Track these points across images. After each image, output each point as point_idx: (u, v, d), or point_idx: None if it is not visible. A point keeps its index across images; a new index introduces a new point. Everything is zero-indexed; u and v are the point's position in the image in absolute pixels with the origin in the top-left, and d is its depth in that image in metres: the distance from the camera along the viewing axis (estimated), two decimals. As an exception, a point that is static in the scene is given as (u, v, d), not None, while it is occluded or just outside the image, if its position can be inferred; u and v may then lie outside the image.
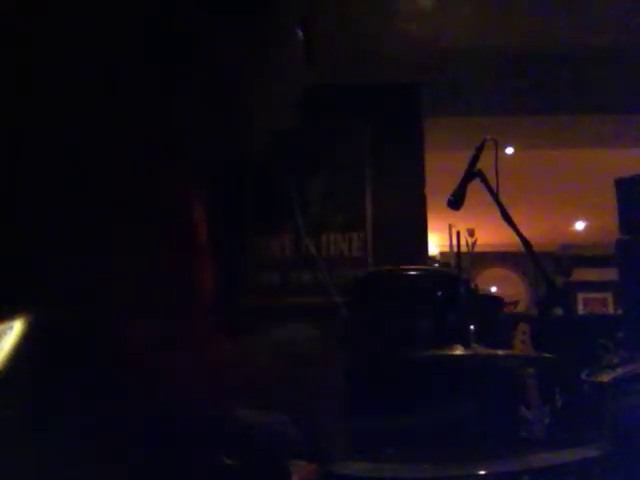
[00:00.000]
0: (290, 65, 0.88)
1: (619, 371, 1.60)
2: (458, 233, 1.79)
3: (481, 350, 1.37)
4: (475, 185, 1.86)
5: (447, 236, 2.68)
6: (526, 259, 1.87)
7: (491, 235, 5.06)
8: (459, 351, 1.36)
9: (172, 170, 0.70)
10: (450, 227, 2.11)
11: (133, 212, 0.65)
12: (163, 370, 0.63)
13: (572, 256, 7.56)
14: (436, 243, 5.68)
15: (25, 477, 0.58)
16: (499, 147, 1.91)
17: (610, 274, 5.17)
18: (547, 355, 1.59)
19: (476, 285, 2.70)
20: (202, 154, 0.79)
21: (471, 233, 2.16)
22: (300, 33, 0.88)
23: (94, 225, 0.63)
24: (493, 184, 1.84)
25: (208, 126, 0.81)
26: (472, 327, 1.42)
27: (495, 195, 1.82)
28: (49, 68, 0.67)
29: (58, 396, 0.59)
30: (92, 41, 0.68)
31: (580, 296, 7.36)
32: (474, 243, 2.07)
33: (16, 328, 0.59)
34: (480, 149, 1.90)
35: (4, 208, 0.64)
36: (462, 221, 2.23)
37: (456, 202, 1.87)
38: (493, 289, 6.09)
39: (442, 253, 5.56)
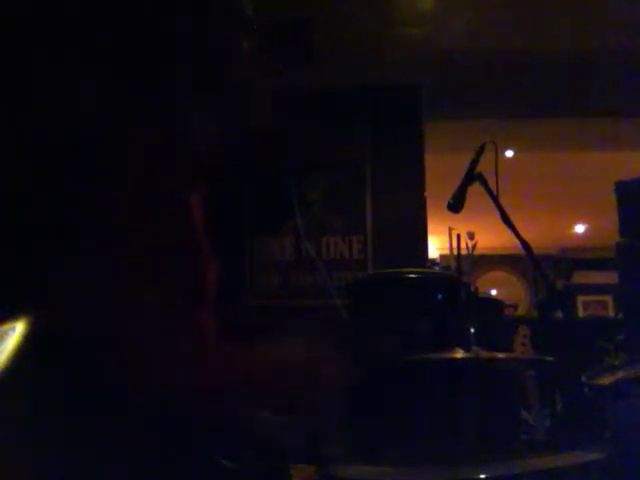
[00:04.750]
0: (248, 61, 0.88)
1: (619, 374, 1.59)
2: (458, 236, 1.79)
3: (481, 353, 1.37)
4: (475, 188, 1.86)
5: (447, 239, 2.68)
6: (526, 262, 1.87)
7: (491, 238, 5.05)
8: (459, 354, 1.36)
9: (172, 170, 0.70)
10: (450, 230, 2.10)
11: (134, 212, 0.65)
12: (163, 370, 0.63)
13: (572, 259, 7.55)
14: (436, 246, 5.68)
15: (25, 476, 0.58)
16: (499, 150, 1.91)
17: (610, 277, 5.17)
18: (547, 358, 1.59)
19: (476, 288, 2.69)
20: (202, 155, 0.79)
21: (471, 236, 2.16)
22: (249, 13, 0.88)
23: (95, 226, 0.63)
24: (493, 187, 1.84)
25: (207, 126, 0.81)
26: (472, 330, 1.42)
27: (495, 198, 1.82)
28: (46, 67, 0.67)
29: (59, 396, 0.59)
30: (86, 39, 0.68)
31: (580, 299, 7.35)
32: (474, 246, 2.06)
33: (18, 329, 0.59)
34: (480, 152, 1.90)
35: (6, 210, 0.64)
36: (462, 224, 2.23)
37: (456, 205, 1.87)
38: (493, 292, 6.09)
39: (442, 256, 5.56)
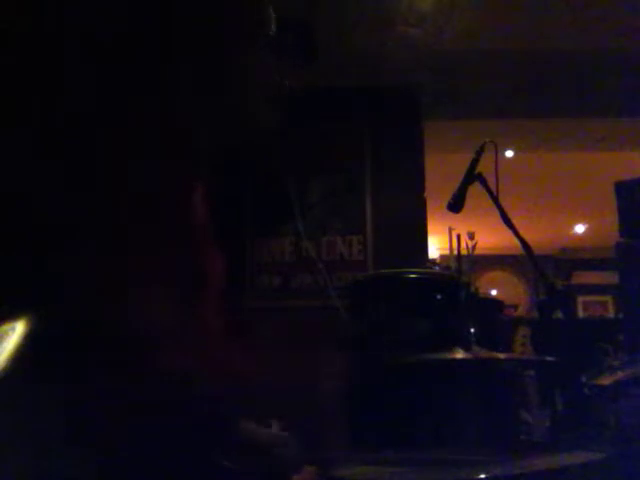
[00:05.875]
0: (267, 64, 0.88)
1: (619, 374, 1.60)
2: (458, 236, 1.79)
3: (481, 353, 1.37)
4: (475, 188, 1.86)
5: (447, 239, 2.68)
6: (526, 262, 1.87)
7: (491, 238, 5.05)
8: (459, 354, 1.36)
9: (174, 169, 0.70)
10: (450, 230, 2.10)
11: (136, 210, 0.65)
12: (164, 370, 0.63)
13: (572, 259, 7.56)
14: (436, 246, 5.68)
15: (25, 476, 0.58)
16: (499, 150, 1.91)
17: (610, 277, 5.18)
18: (547, 358, 1.59)
19: (476, 288, 2.69)
20: (203, 154, 0.79)
21: (471, 236, 2.16)
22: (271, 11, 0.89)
23: (96, 224, 0.63)
24: (493, 187, 1.84)
25: (207, 125, 0.81)
26: (472, 330, 1.42)
27: (495, 198, 1.82)
28: (47, 66, 0.67)
29: (59, 396, 0.59)
30: (88, 39, 0.69)
31: (580, 299, 7.36)
32: (474, 246, 2.06)
33: (18, 329, 0.59)
34: (480, 152, 1.90)
35: (5, 209, 0.64)
36: (462, 224, 2.23)
37: (456, 205, 1.87)
38: (493, 292, 6.09)
39: (442, 256, 5.56)
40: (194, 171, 0.74)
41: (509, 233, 1.80)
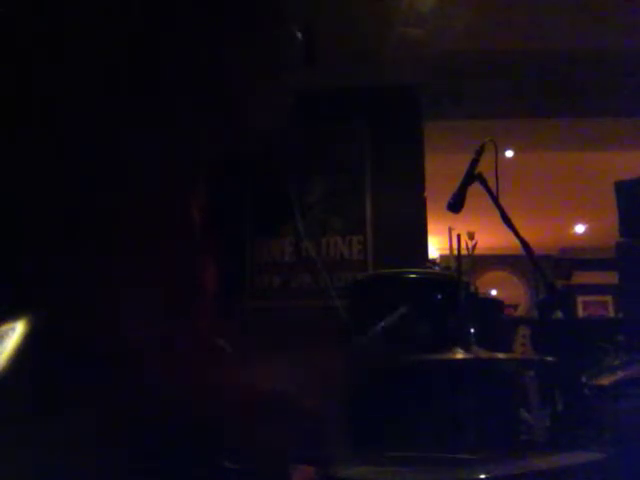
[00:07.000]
0: (286, 65, 0.88)
1: (619, 374, 1.60)
2: (458, 236, 1.78)
3: (481, 353, 1.37)
4: (475, 188, 1.86)
5: (447, 239, 2.68)
6: (526, 262, 1.87)
7: (491, 238, 5.05)
8: (459, 354, 1.36)
9: (173, 171, 0.70)
10: (450, 230, 2.11)
11: (134, 212, 0.65)
12: (164, 371, 0.63)
13: (572, 259, 7.56)
14: (436, 246, 5.68)
15: (25, 477, 0.58)
16: (499, 150, 1.91)
17: (610, 277, 5.18)
18: (547, 358, 1.59)
19: (476, 288, 2.70)
20: (202, 155, 0.79)
21: (471, 236, 2.16)
22: (299, 34, 0.89)
23: (95, 226, 0.64)
24: (493, 187, 1.84)
25: (207, 127, 0.81)
26: (472, 330, 1.42)
27: (495, 198, 1.82)
28: (49, 69, 0.67)
29: (58, 396, 0.59)
30: (90, 42, 0.69)
31: (580, 299, 7.36)
32: (474, 246, 2.06)
33: (18, 329, 0.60)
34: (480, 152, 1.90)
35: (5, 209, 0.64)
36: (462, 224, 2.23)
37: (456, 205, 1.87)
38: (493, 292, 6.10)
39: (442, 256, 5.56)
40: (194, 173, 0.75)
41: (509, 233, 1.80)
